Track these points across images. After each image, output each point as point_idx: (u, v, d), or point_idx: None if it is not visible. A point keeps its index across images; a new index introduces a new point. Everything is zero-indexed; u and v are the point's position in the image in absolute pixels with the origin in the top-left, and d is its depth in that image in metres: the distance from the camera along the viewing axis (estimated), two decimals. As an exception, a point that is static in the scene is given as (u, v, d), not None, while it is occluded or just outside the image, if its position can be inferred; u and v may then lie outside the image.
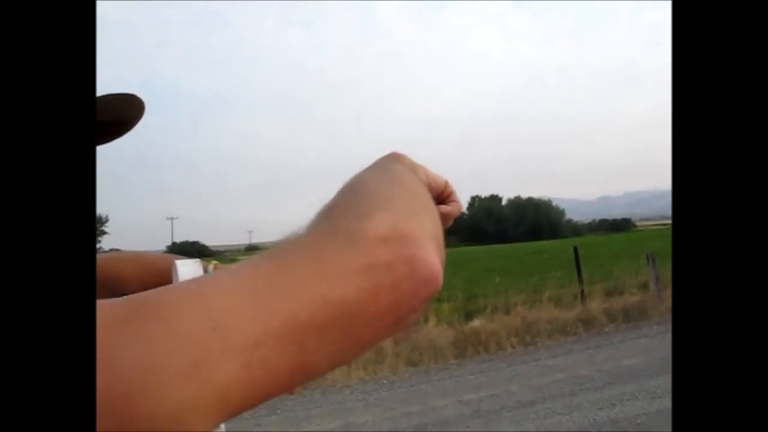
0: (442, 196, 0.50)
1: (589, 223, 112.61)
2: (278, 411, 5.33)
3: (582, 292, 9.03)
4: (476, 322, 7.87)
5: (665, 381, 5.32)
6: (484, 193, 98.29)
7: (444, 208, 0.49)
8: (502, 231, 77.91)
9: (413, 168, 0.45)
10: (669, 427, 4.15)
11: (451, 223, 0.51)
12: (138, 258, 0.69)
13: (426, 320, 7.71)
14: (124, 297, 0.29)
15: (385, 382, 6.15)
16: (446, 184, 0.50)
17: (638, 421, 4.34)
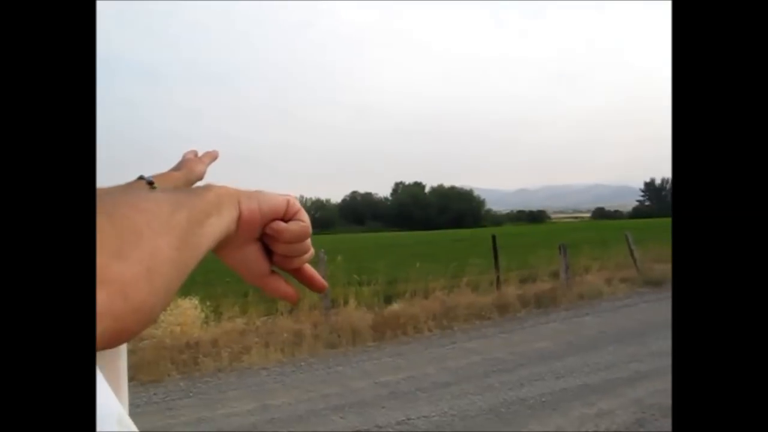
0: (285, 216, 0.48)
1: (508, 214, 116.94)
2: (191, 394, 5.18)
3: (498, 278, 9.39)
4: (396, 306, 7.99)
5: (570, 362, 5.65)
6: (408, 180, 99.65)
7: (279, 224, 0.48)
8: (426, 218, 79.36)
9: (221, 198, 0.44)
10: (572, 403, 4.41)
11: (299, 241, 0.49)
12: None
13: (346, 303, 7.73)
14: None
15: (303, 364, 6.11)
16: (288, 204, 0.49)
17: (543, 399, 4.58)
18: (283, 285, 0.51)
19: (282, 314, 7.39)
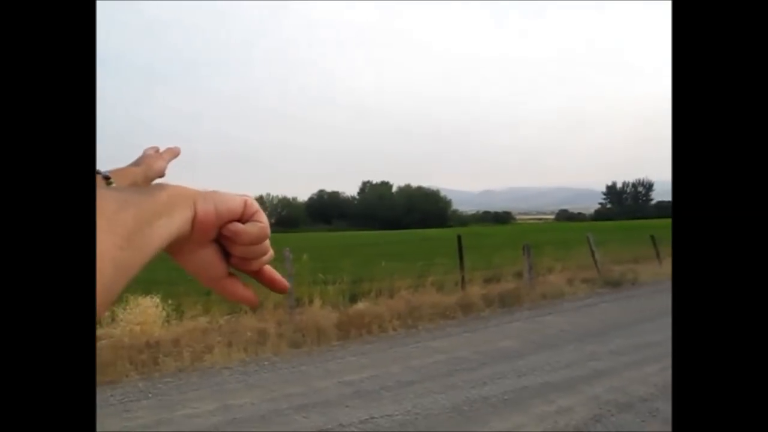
0: (242, 217, 0.47)
1: (474, 214, 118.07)
2: (150, 395, 5.06)
3: (463, 278, 9.48)
4: (361, 305, 7.98)
5: (532, 360, 5.75)
6: (375, 179, 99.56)
7: (236, 226, 0.47)
8: (393, 217, 79.53)
9: (174, 198, 0.43)
10: (533, 400, 4.48)
11: (257, 243, 0.48)
12: None
13: (311, 302, 7.68)
14: None
15: (266, 363, 6.05)
16: (245, 205, 0.48)
17: (505, 397, 4.65)
18: (240, 288, 0.50)
19: (246, 313, 7.29)
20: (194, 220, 0.44)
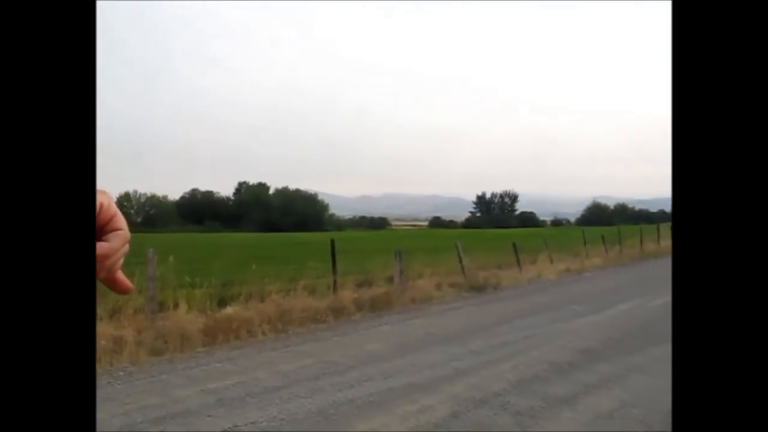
0: (98, 222, 0.41)
1: (351, 219, 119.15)
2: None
3: (335, 282, 9.53)
4: (230, 309, 7.71)
5: (398, 362, 5.92)
6: (252, 180, 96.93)
7: (100, 249, 0.41)
8: (269, 220, 77.88)
9: None
10: (397, 401, 4.60)
11: (119, 254, 0.43)
12: None
13: (176, 306, 7.29)
14: None
15: (121, 373, 5.62)
16: (101, 210, 0.41)
17: (371, 399, 4.75)
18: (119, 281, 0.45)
19: (101, 319, 6.74)
20: None
